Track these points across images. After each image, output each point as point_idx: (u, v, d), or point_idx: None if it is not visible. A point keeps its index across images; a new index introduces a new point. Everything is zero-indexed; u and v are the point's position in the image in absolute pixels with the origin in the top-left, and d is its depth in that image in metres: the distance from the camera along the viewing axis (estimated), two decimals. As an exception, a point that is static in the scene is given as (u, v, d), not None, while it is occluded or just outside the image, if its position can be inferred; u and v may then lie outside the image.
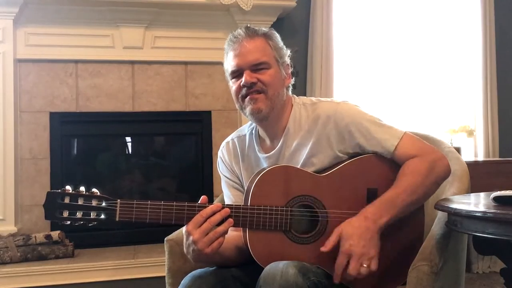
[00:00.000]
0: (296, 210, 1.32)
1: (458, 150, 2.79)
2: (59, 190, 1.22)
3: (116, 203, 1.22)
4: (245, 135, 1.54)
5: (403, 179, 1.33)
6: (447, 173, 1.39)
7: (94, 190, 1.24)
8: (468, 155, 3.53)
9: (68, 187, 1.23)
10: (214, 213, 1.24)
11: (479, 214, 1.14)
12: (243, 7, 2.94)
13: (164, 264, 1.65)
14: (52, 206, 1.22)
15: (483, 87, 3.54)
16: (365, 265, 1.22)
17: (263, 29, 1.45)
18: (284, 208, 1.30)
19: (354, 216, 1.28)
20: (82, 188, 1.24)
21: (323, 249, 1.25)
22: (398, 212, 1.29)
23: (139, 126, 3.08)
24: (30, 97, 2.86)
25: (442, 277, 1.26)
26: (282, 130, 1.45)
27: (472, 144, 3.60)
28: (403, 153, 1.36)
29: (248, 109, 1.39)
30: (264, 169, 1.36)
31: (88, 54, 2.91)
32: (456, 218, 1.23)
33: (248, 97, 1.38)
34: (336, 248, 1.31)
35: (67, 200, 1.22)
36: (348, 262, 1.22)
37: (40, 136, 2.88)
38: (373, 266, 1.23)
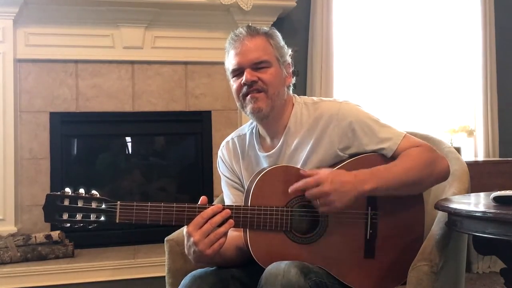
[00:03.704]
0: (297, 210, 1.32)
1: (458, 150, 2.79)
2: (59, 193, 1.22)
3: (116, 205, 1.22)
4: (245, 134, 1.54)
5: (401, 159, 1.35)
6: (445, 173, 1.39)
7: (94, 192, 1.24)
8: (468, 155, 3.54)
9: (67, 189, 1.23)
10: (214, 214, 1.24)
11: (479, 214, 1.14)
12: (243, 7, 2.94)
13: (164, 264, 1.65)
14: (52, 209, 1.22)
15: (483, 87, 3.55)
16: (318, 201, 1.25)
17: (265, 28, 1.45)
18: (285, 208, 1.30)
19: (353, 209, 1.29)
20: (82, 190, 1.23)
21: (301, 171, 1.29)
22: (385, 185, 1.30)
23: (139, 126, 3.08)
24: (30, 97, 2.86)
25: (442, 277, 1.26)
26: (283, 129, 1.45)
27: (472, 144, 3.60)
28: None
29: (248, 108, 1.39)
30: (264, 169, 1.36)
31: (88, 54, 2.91)
32: (456, 218, 1.23)
33: (249, 96, 1.38)
34: (336, 248, 1.31)
35: (66, 203, 1.21)
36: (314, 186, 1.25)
37: (40, 136, 2.87)
38: (322, 210, 1.26)
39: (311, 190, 1.25)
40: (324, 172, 1.27)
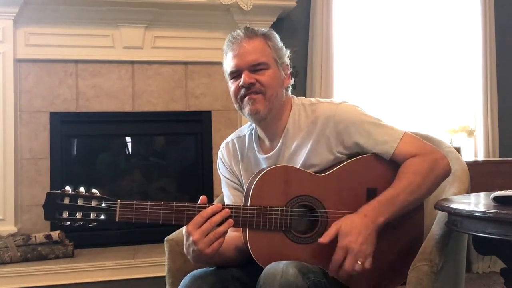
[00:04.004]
0: (296, 210, 1.32)
1: (458, 150, 2.79)
2: (59, 191, 1.22)
3: (116, 203, 1.22)
4: (244, 135, 1.54)
5: (403, 178, 1.33)
6: (447, 173, 1.39)
7: (94, 190, 1.24)
8: (468, 155, 3.53)
9: (67, 188, 1.23)
10: (214, 214, 1.24)
11: (479, 214, 1.14)
12: (243, 7, 2.94)
13: (164, 264, 1.65)
14: (52, 207, 1.22)
15: (483, 87, 3.55)
16: (359, 262, 1.23)
17: (262, 29, 1.45)
18: (284, 208, 1.30)
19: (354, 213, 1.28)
20: (82, 189, 1.23)
21: (321, 240, 1.25)
22: (396, 211, 1.30)
23: (139, 126, 3.08)
24: (30, 97, 2.86)
25: (442, 277, 1.26)
26: (282, 130, 1.45)
27: (472, 144, 3.60)
28: (403, 154, 1.36)
29: (246, 110, 1.39)
30: (263, 169, 1.36)
31: (88, 54, 2.91)
32: (456, 218, 1.23)
33: (247, 97, 1.38)
34: (335, 245, 1.31)
35: (66, 201, 1.22)
36: (344, 258, 1.23)
37: (40, 136, 2.87)
38: (367, 264, 1.24)
39: (347, 264, 1.22)
40: (340, 237, 1.23)
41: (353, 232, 1.24)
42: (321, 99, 1.48)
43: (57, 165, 2.90)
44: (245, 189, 1.39)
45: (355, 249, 1.22)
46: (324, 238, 1.25)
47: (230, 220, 1.25)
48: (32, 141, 2.86)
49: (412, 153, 1.36)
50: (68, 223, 1.22)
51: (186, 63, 3.08)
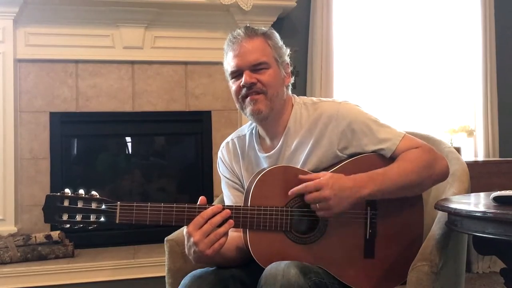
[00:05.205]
0: (296, 210, 1.32)
1: (458, 150, 2.79)
2: (59, 193, 1.22)
3: (116, 205, 1.22)
4: (245, 135, 1.54)
5: (399, 163, 1.35)
6: (444, 173, 1.39)
7: (94, 192, 1.24)
8: (468, 155, 3.53)
9: (67, 190, 1.23)
10: (214, 215, 1.24)
11: (479, 214, 1.14)
12: (243, 7, 2.94)
13: (164, 264, 1.65)
14: (52, 209, 1.22)
15: (483, 87, 3.54)
16: (317, 205, 1.26)
17: (263, 28, 1.45)
18: (284, 208, 1.30)
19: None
20: (82, 191, 1.23)
21: (301, 176, 1.30)
22: (384, 189, 1.31)
23: (139, 126, 3.08)
24: (30, 97, 2.86)
25: (442, 277, 1.26)
26: (283, 129, 1.45)
27: (472, 144, 3.60)
28: (404, 151, 1.37)
29: (248, 110, 1.39)
30: (264, 169, 1.36)
31: (88, 54, 2.91)
32: (456, 218, 1.23)
33: (248, 98, 1.38)
34: (336, 248, 1.31)
35: (66, 203, 1.22)
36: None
37: (40, 136, 2.87)
38: (320, 214, 1.28)
39: (310, 195, 1.26)
40: (324, 177, 1.27)
41: (336, 183, 1.26)
42: (323, 98, 1.48)
43: (57, 165, 2.90)
44: (245, 189, 1.39)
45: (325, 194, 1.25)
46: (305, 176, 1.30)
47: (231, 221, 1.25)
48: (32, 141, 2.86)
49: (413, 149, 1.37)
50: (68, 225, 1.22)
51: (186, 63, 3.08)
